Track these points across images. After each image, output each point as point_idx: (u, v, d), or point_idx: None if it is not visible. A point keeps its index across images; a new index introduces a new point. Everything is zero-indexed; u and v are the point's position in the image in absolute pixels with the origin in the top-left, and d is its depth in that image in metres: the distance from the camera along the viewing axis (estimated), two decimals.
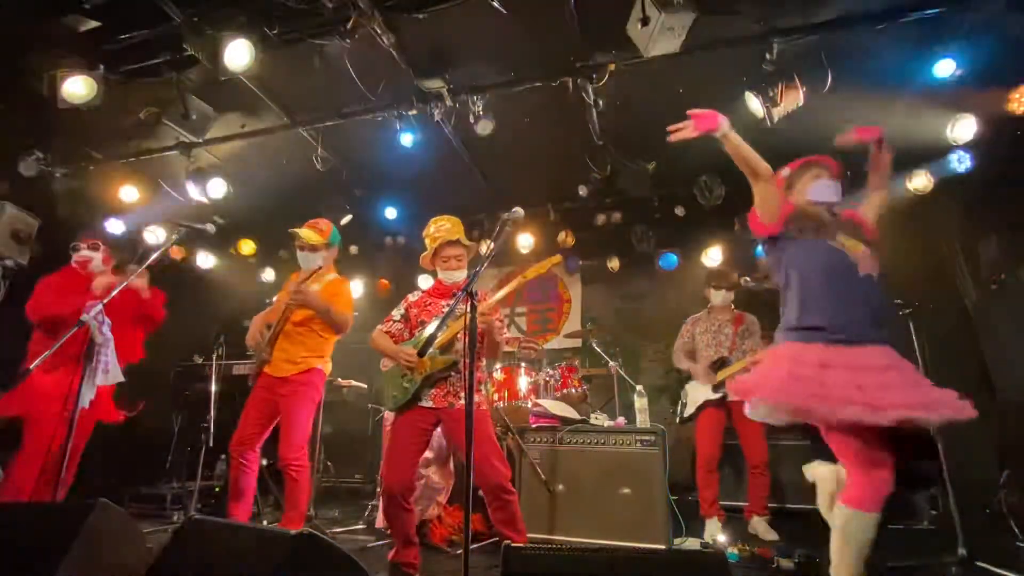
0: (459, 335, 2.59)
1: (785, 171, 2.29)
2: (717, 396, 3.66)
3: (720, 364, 3.71)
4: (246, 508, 2.90)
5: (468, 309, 1.98)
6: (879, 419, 1.75)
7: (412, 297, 2.86)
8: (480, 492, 2.56)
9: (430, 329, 2.58)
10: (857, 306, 1.99)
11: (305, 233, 3.10)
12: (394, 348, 2.66)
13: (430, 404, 2.57)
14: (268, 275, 6.34)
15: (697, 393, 3.78)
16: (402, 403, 2.59)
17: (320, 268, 3.13)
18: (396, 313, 2.81)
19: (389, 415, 3.87)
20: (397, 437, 2.60)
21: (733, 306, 3.94)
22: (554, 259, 2.68)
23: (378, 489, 3.89)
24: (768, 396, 1.97)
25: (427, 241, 2.82)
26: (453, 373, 2.59)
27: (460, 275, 2.76)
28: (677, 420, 3.95)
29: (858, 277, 2.01)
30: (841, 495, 1.94)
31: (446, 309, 2.67)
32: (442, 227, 2.77)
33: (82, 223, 4.65)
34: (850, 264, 2.03)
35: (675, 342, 4.03)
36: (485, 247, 5.30)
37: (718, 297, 3.91)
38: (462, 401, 2.56)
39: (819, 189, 2.18)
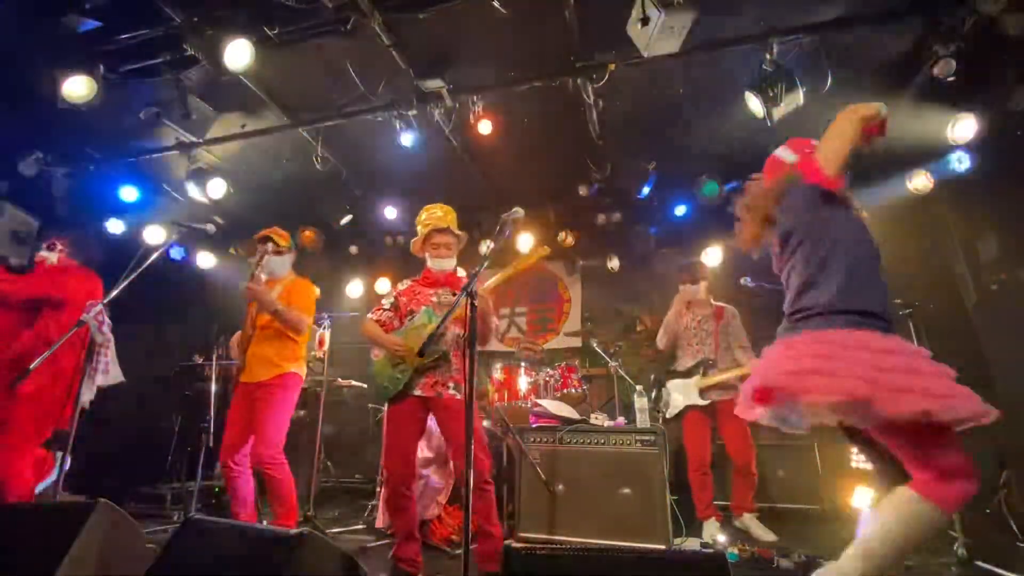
0: (448, 326, 2.58)
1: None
2: (704, 403, 3.64)
3: (705, 367, 3.69)
4: (250, 512, 2.90)
5: (468, 309, 1.97)
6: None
7: (401, 286, 2.85)
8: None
9: (421, 319, 2.60)
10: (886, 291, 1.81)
11: (280, 233, 3.20)
12: (386, 338, 2.65)
13: (419, 393, 2.58)
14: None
15: (679, 395, 3.75)
16: (393, 394, 2.60)
17: (284, 273, 3.20)
18: (386, 302, 2.80)
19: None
20: (393, 427, 2.62)
21: (712, 299, 3.90)
22: (542, 251, 2.58)
23: (378, 489, 3.88)
24: (831, 393, 1.60)
25: (418, 228, 2.82)
26: (442, 363, 2.60)
27: (448, 263, 2.77)
28: (660, 420, 3.92)
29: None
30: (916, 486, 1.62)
31: (434, 299, 2.70)
32: (433, 214, 2.79)
33: (82, 223, 4.67)
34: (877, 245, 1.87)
35: (667, 315, 3.91)
36: (485, 247, 5.33)
37: (687, 292, 3.86)
38: (451, 391, 2.58)
39: None
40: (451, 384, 2.60)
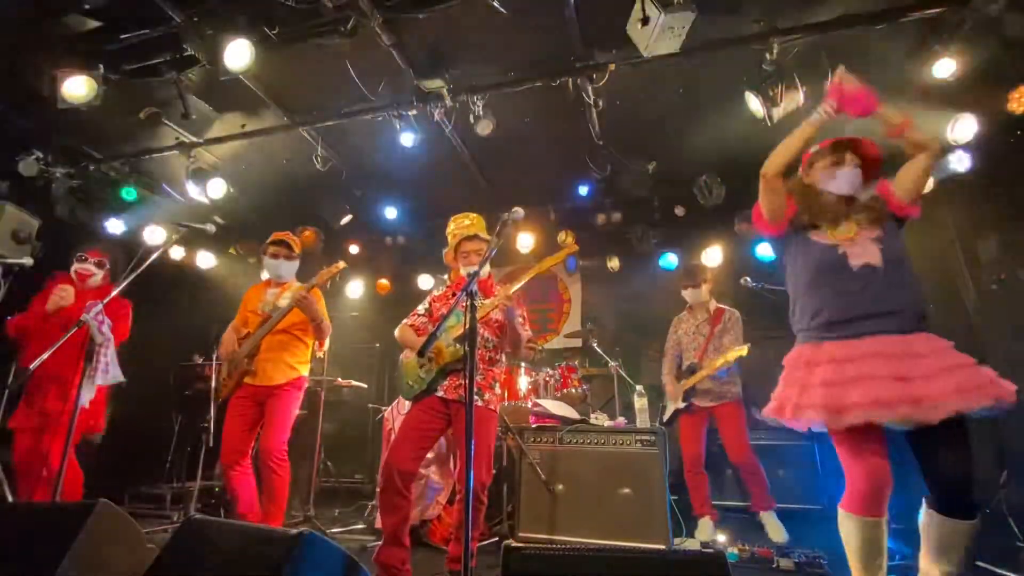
0: (477, 326, 2.59)
1: (814, 148, 2.15)
2: (683, 406, 3.70)
3: (690, 371, 3.72)
4: (257, 515, 2.89)
5: (468, 309, 1.98)
6: (874, 416, 1.71)
7: (436, 292, 2.95)
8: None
9: (451, 321, 2.60)
10: (854, 299, 1.90)
11: (294, 239, 3.25)
12: (414, 339, 2.75)
13: (442, 395, 2.60)
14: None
15: (670, 401, 3.86)
16: (417, 392, 2.65)
17: (290, 279, 3.27)
18: (421, 308, 2.90)
19: (389, 415, 3.87)
20: (408, 421, 2.62)
21: (714, 301, 3.92)
22: (570, 248, 2.76)
23: (378, 488, 3.88)
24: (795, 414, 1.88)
25: (449, 239, 2.90)
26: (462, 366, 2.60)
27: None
28: (658, 422, 3.94)
29: (851, 271, 1.93)
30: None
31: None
32: (461, 224, 2.89)
33: (82, 223, 4.67)
34: (840, 257, 1.96)
35: (666, 344, 4.04)
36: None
37: (689, 296, 3.93)
38: (475, 398, 2.56)
39: (833, 178, 2.08)
40: (476, 390, 2.59)
